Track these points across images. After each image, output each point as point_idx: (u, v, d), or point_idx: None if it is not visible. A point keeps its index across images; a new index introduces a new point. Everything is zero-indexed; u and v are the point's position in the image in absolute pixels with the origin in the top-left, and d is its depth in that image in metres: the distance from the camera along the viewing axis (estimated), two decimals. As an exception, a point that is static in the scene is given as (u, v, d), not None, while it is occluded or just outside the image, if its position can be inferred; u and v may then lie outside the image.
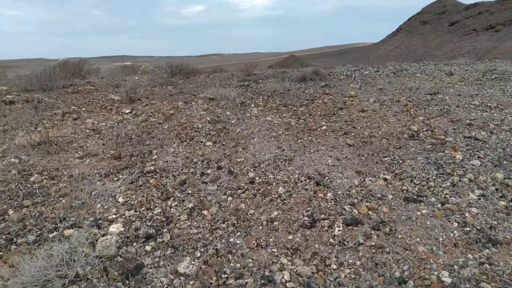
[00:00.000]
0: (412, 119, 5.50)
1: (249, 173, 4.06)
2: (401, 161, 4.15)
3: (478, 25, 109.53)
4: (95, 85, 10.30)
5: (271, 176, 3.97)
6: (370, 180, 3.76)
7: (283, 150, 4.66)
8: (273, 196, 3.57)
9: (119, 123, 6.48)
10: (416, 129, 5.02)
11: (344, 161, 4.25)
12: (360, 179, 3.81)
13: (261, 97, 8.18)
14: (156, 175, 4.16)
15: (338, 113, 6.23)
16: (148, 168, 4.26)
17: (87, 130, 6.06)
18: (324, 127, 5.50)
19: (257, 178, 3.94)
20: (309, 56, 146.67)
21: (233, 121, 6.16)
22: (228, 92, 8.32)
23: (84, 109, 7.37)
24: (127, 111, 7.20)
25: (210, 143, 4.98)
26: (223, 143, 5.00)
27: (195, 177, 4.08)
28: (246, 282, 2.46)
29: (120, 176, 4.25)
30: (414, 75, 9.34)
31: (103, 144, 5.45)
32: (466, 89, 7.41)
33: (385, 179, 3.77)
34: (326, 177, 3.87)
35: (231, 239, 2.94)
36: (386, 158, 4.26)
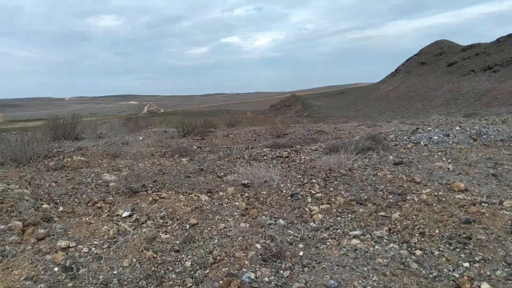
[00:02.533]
0: None
1: None
2: None
3: (475, 65, 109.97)
4: (87, 154, 7.84)
5: None
6: None
7: None
8: None
9: (110, 245, 3.92)
10: None
11: None
12: None
13: (314, 180, 5.69)
14: None
15: (473, 234, 3.67)
16: None
17: (55, 269, 3.48)
18: None
19: None
20: (310, 96, 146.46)
21: (300, 252, 3.59)
22: (265, 173, 5.83)
23: (61, 208, 4.83)
24: (125, 214, 4.65)
25: None
26: None
27: None
28: None
29: None
30: (507, 145, 6.88)
31: (75, 318, 2.85)
32: None
33: None
34: None
35: None
36: None
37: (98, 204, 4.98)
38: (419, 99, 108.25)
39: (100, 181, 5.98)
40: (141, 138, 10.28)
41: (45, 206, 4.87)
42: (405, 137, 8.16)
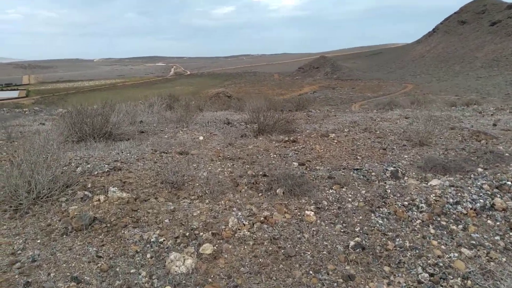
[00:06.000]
0: None
1: None
2: None
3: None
4: (130, 182, 4.61)
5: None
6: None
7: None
8: None
9: None
10: None
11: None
12: None
13: None
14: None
15: None
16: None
17: None
18: None
19: None
20: (340, 57, 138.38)
21: None
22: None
23: None
24: None
25: None
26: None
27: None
28: None
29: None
30: None
31: None
32: None
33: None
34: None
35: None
36: None
37: None
38: (458, 60, 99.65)
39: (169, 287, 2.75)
40: (201, 138, 6.92)
41: None
42: None
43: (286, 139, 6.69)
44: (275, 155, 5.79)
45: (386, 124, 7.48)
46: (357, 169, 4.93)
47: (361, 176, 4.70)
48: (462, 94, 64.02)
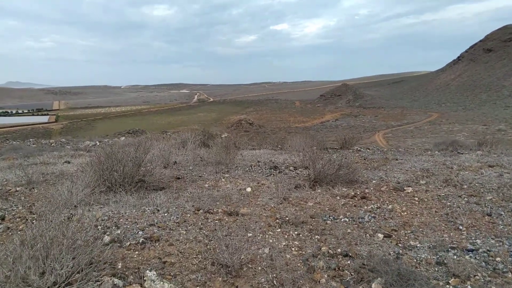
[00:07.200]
0: None
1: None
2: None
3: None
4: (171, 262, 3.49)
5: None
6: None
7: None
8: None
9: None
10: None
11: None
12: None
13: None
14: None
15: None
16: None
17: None
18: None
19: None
20: (361, 85, 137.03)
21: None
22: None
23: None
24: None
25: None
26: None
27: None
28: None
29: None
30: None
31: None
32: None
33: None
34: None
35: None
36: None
37: None
38: (484, 89, 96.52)
39: None
40: (249, 189, 5.80)
41: None
42: None
43: (352, 193, 5.47)
44: (346, 219, 4.57)
45: (470, 175, 6.15)
46: (471, 250, 3.64)
47: (482, 263, 3.41)
48: (490, 123, 61.29)
